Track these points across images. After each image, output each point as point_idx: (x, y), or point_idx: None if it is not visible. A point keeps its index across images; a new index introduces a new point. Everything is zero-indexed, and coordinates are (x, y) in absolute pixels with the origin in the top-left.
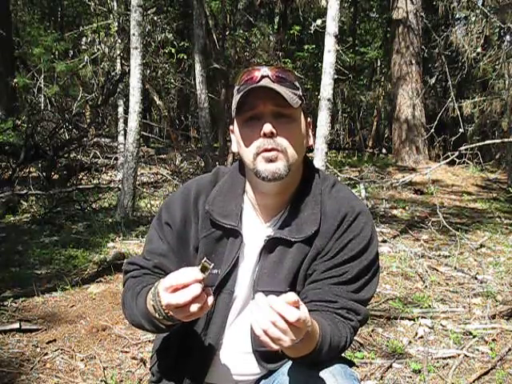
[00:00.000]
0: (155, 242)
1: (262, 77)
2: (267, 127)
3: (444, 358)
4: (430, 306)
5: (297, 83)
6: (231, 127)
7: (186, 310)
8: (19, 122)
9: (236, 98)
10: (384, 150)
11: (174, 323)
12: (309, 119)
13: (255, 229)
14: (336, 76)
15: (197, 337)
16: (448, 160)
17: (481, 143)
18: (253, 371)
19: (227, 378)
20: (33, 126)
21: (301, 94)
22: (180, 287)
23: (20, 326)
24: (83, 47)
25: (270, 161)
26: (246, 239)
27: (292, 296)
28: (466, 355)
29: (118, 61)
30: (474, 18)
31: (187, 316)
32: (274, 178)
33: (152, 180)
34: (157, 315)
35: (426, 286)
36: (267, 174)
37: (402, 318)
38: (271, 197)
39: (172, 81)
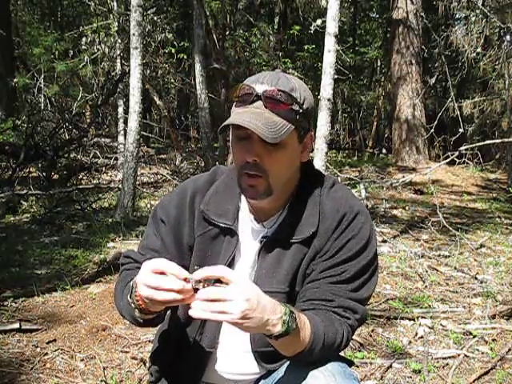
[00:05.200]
0: (150, 238)
1: (257, 97)
2: (250, 157)
3: (444, 358)
4: (430, 305)
5: (299, 99)
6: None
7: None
8: (19, 122)
9: (231, 113)
10: (384, 150)
11: (148, 317)
12: (310, 133)
13: (252, 228)
14: (336, 76)
15: (193, 336)
16: (448, 160)
17: (481, 143)
18: (252, 371)
19: (226, 378)
20: (33, 126)
21: (299, 109)
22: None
23: (20, 325)
24: (83, 47)
25: (250, 185)
26: (242, 238)
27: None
28: (466, 355)
29: (118, 61)
30: (473, 18)
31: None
32: (254, 198)
33: (152, 180)
34: (132, 305)
35: (426, 286)
36: (247, 195)
37: (402, 318)
38: (264, 204)
39: (172, 81)
